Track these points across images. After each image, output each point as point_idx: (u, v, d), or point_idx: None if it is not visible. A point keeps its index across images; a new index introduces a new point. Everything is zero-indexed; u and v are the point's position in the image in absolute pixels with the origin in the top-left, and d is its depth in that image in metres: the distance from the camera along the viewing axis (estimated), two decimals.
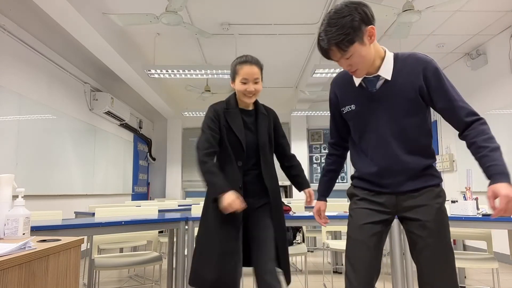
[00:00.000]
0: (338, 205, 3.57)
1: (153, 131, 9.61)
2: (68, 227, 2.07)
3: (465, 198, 2.82)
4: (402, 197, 1.45)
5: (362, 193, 1.53)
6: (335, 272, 4.12)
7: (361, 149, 1.54)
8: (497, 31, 4.91)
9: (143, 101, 7.44)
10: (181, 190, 9.14)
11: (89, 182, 5.87)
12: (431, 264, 1.38)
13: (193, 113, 7.74)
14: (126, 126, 7.53)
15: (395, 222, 2.57)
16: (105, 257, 2.83)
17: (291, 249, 3.24)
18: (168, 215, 2.89)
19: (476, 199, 2.77)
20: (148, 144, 9.21)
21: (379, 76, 1.44)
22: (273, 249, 1.88)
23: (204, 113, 2.02)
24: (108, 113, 6.26)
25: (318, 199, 1.76)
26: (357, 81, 1.50)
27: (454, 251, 1.49)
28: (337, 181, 1.79)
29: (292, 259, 5.00)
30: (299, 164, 2.18)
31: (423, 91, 1.41)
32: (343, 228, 3.60)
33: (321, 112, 7.59)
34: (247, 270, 2.13)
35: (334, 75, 5.19)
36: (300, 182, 2.15)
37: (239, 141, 1.94)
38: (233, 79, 1.98)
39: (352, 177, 1.61)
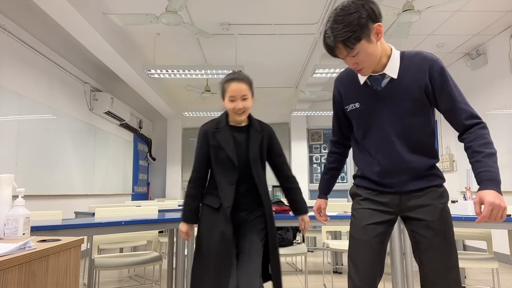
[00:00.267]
0: (338, 205, 3.57)
1: (153, 131, 9.61)
2: (68, 227, 2.07)
3: (465, 198, 2.82)
4: (406, 197, 1.45)
5: (365, 193, 1.52)
6: (335, 272, 4.12)
7: (364, 148, 1.53)
8: (497, 31, 4.91)
9: (143, 101, 7.44)
10: (181, 190, 9.14)
11: (89, 182, 5.87)
12: (435, 265, 1.37)
13: (193, 113, 7.73)
14: (126, 126, 7.52)
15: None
16: (105, 257, 2.83)
17: (291, 249, 3.25)
18: (168, 215, 2.89)
19: None
20: (148, 144, 9.21)
21: (385, 74, 1.43)
22: (257, 263, 1.87)
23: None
24: (108, 113, 6.26)
25: (319, 197, 1.76)
26: (362, 79, 1.48)
27: None
28: (337, 181, 1.78)
29: (292, 259, 5.01)
30: (297, 187, 2.12)
31: (428, 90, 1.40)
32: (343, 228, 3.59)
33: (321, 112, 7.59)
34: None
35: (335, 75, 5.20)
36: (297, 208, 2.12)
37: (230, 159, 1.95)
38: (223, 97, 1.98)
39: (355, 176, 1.60)
